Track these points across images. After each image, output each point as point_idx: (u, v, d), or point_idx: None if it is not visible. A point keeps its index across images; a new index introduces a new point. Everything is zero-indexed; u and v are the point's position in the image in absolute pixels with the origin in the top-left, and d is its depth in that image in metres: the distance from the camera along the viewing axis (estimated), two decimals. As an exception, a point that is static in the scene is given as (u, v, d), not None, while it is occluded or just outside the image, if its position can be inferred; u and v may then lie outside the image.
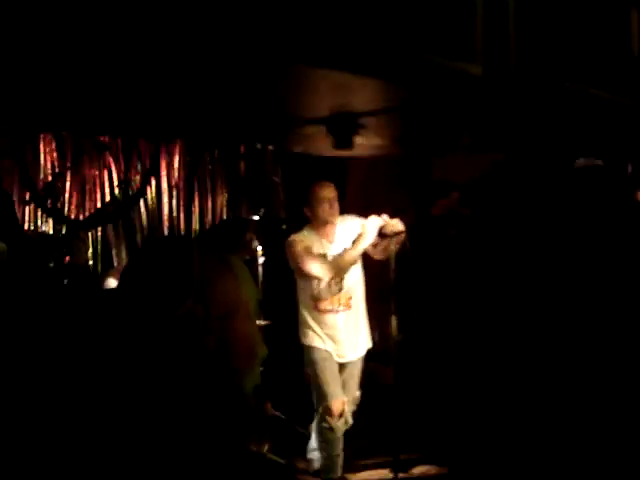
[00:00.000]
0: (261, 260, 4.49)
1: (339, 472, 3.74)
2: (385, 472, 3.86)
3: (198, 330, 1.04)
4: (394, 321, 3.65)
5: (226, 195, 4.97)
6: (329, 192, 3.80)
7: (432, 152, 4.78)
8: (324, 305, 3.75)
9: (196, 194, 4.94)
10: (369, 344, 3.87)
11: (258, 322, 3.86)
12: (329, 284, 3.73)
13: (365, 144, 4.18)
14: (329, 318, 3.75)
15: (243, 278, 1.07)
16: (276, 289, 4.65)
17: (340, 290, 3.75)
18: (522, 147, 4.53)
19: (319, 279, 3.68)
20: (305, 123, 3.69)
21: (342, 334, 3.76)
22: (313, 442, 3.92)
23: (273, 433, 4.15)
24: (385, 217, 3.57)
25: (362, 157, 4.96)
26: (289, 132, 4.02)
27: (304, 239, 3.76)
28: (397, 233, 3.57)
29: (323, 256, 3.71)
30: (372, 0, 2.27)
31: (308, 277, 3.71)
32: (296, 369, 4.31)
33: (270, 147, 4.69)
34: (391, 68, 2.38)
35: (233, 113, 3.62)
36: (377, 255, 3.68)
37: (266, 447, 4.09)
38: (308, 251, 3.69)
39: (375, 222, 3.57)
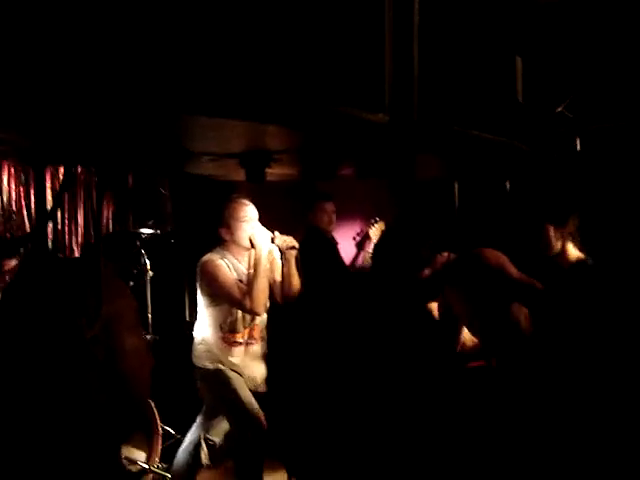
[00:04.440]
0: (149, 275, 4.43)
1: None
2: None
3: (86, 341, 1.05)
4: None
5: (112, 207, 4.88)
6: (252, 212, 3.53)
7: (323, 178, 4.87)
8: (235, 337, 3.54)
9: (81, 206, 4.82)
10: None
11: (144, 335, 3.80)
12: (244, 315, 3.52)
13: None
14: (238, 351, 3.55)
15: (122, 287, 1.06)
16: (164, 304, 4.61)
17: (253, 321, 3.56)
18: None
19: (247, 310, 3.43)
20: (216, 157, 3.60)
21: (249, 368, 3.58)
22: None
23: (163, 448, 4.11)
24: (277, 233, 3.51)
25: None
26: (195, 163, 3.93)
27: (225, 263, 3.49)
28: (290, 248, 3.52)
29: (242, 283, 3.47)
30: (285, 56, 2.36)
31: (228, 306, 3.47)
32: (184, 384, 4.29)
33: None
34: (300, 118, 2.46)
35: (130, 148, 3.50)
36: (281, 292, 3.56)
37: (156, 462, 4.06)
38: (232, 278, 3.45)
39: (263, 232, 3.49)
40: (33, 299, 1.11)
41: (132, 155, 3.54)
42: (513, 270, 2.34)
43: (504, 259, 2.38)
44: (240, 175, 3.71)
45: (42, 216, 3.93)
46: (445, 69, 2.97)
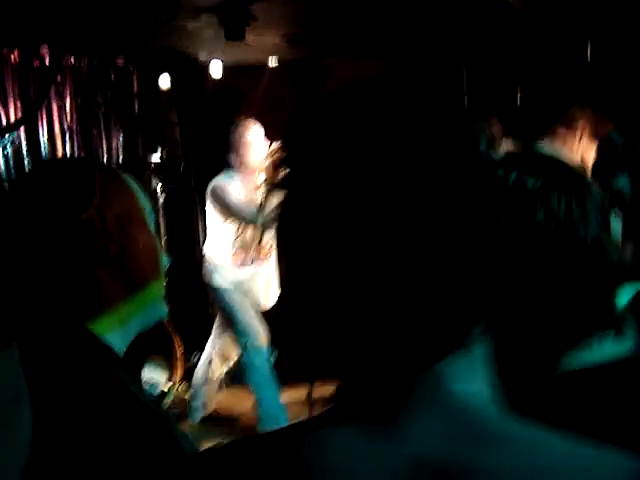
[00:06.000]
0: (161, 200, 4.45)
1: None
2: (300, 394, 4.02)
3: (98, 234, 1.05)
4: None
5: (121, 137, 4.85)
6: (257, 132, 3.57)
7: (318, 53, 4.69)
8: (244, 257, 3.64)
9: (91, 136, 4.80)
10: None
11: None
12: (254, 235, 3.62)
13: (255, 46, 4.08)
14: (245, 271, 3.67)
15: (132, 187, 1.08)
16: (176, 229, 4.65)
17: (262, 241, 3.64)
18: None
19: (259, 225, 3.52)
20: (194, 12, 3.51)
21: (255, 287, 3.71)
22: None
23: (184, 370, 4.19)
24: None
25: (252, 64, 4.86)
26: (174, 27, 3.83)
27: (233, 185, 3.56)
28: None
29: (253, 203, 3.54)
30: None
31: (239, 225, 3.56)
32: (199, 306, 4.36)
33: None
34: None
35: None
36: None
37: (178, 383, 4.15)
38: (242, 199, 3.53)
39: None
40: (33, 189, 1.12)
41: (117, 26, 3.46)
42: None
43: None
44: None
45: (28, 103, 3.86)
46: None
